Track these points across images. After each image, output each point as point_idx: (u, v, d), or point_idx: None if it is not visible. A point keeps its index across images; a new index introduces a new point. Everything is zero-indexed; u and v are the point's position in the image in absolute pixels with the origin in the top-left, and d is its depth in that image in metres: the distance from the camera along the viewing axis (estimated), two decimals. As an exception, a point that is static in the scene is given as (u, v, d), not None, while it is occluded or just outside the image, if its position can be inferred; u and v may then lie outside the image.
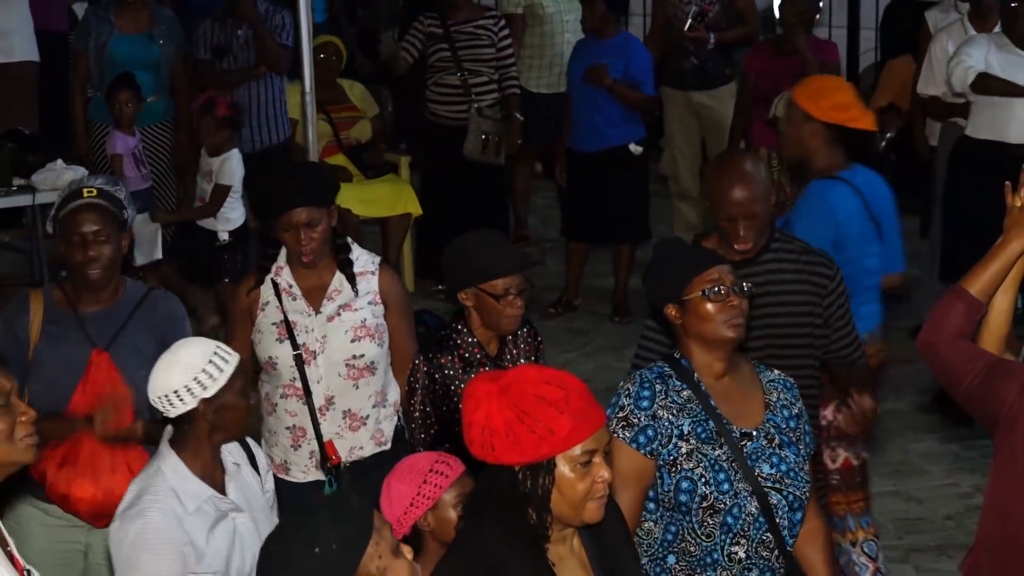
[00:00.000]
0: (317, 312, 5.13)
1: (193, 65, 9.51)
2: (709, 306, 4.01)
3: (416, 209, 9.98)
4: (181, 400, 4.04)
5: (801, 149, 5.80)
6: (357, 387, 5.14)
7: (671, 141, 10.29)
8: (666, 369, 4.05)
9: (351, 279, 5.17)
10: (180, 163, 9.51)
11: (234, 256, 8.42)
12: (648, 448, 3.96)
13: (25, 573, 3.32)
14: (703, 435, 3.97)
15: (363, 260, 5.24)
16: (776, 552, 4.02)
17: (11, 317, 4.75)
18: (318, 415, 5.12)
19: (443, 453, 4.19)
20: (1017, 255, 4.13)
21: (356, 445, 5.17)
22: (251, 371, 5.07)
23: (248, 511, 4.19)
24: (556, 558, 3.36)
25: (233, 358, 4.13)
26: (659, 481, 3.98)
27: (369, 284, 5.20)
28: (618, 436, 3.94)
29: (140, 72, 9.01)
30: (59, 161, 8.85)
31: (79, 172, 8.45)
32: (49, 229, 4.86)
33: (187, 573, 4.02)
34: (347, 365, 5.12)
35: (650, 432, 3.96)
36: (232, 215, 8.41)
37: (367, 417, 5.17)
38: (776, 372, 4.21)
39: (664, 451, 3.96)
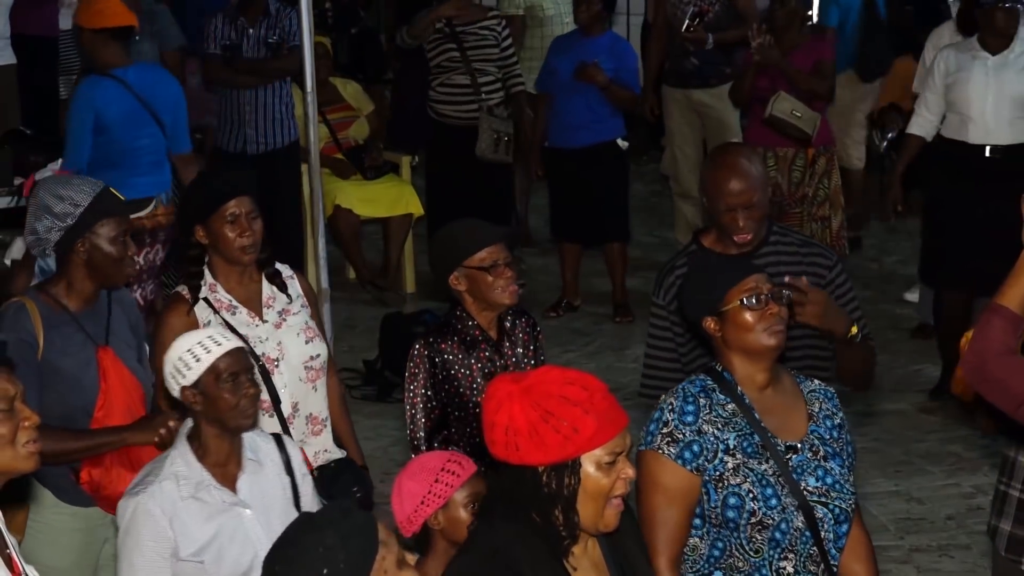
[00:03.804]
0: (263, 321, 5.06)
1: (201, 60, 9.51)
2: (748, 315, 3.93)
3: (417, 209, 9.99)
4: (171, 387, 4.19)
5: (88, 57, 7.37)
6: (316, 389, 5.09)
7: (672, 140, 10.31)
8: (709, 382, 3.97)
9: (282, 285, 5.13)
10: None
11: None
12: (694, 464, 3.88)
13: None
14: (749, 449, 3.90)
15: (280, 267, 5.20)
16: (822, 566, 3.96)
17: (17, 324, 4.67)
18: (288, 424, 5.04)
19: (455, 452, 4.20)
20: None
21: (320, 449, 5.10)
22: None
23: (260, 510, 4.20)
24: (572, 559, 3.36)
25: (217, 348, 4.15)
26: (705, 497, 3.90)
27: (295, 288, 5.17)
28: (663, 452, 3.87)
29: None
30: (60, 161, 8.84)
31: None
32: (58, 227, 4.72)
33: (171, 555, 4.10)
34: (306, 367, 5.05)
35: (696, 447, 3.88)
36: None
37: (325, 419, 5.11)
38: (816, 382, 4.14)
39: (710, 466, 3.88)
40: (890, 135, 10.48)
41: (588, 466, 3.29)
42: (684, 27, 9.72)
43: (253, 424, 4.28)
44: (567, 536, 3.33)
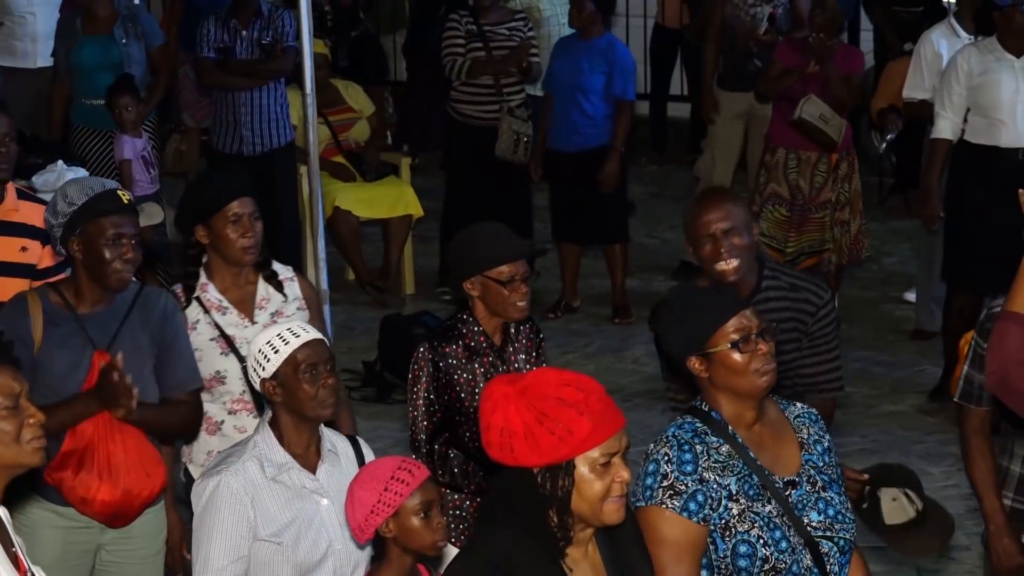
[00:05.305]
0: (252, 322, 5.08)
1: (194, 64, 9.50)
2: (738, 357, 3.79)
3: (417, 211, 9.99)
4: (253, 380, 4.30)
5: None
6: None
7: (714, 143, 10.28)
8: (698, 424, 3.84)
9: (279, 286, 5.15)
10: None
11: None
12: (700, 515, 3.76)
13: (29, 574, 3.32)
14: (751, 492, 3.80)
15: (280, 268, 5.22)
16: None
17: (12, 320, 4.70)
18: None
19: (407, 459, 4.18)
20: None
21: None
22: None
23: (336, 502, 4.25)
24: (571, 562, 3.35)
25: (295, 340, 4.22)
26: (712, 547, 3.79)
27: (293, 290, 5.19)
28: (666, 507, 3.75)
29: (105, 75, 9.00)
30: (60, 162, 8.85)
31: (80, 174, 8.44)
32: (57, 224, 4.74)
33: (250, 534, 4.19)
34: None
35: (700, 497, 3.76)
36: None
37: None
38: (799, 406, 4.03)
39: (715, 515, 3.77)
40: (889, 136, 10.48)
41: (582, 468, 3.28)
42: (762, 30, 9.78)
43: (333, 414, 4.36)
44: (562, 538, 3.32)
